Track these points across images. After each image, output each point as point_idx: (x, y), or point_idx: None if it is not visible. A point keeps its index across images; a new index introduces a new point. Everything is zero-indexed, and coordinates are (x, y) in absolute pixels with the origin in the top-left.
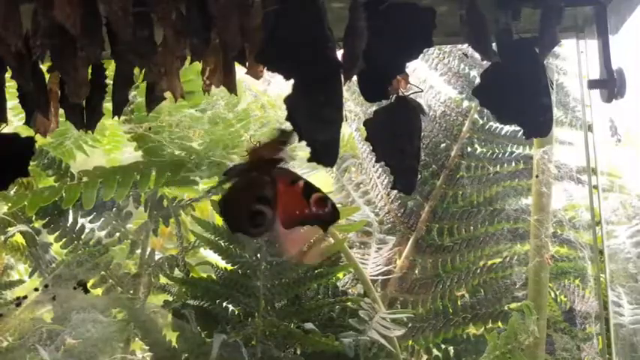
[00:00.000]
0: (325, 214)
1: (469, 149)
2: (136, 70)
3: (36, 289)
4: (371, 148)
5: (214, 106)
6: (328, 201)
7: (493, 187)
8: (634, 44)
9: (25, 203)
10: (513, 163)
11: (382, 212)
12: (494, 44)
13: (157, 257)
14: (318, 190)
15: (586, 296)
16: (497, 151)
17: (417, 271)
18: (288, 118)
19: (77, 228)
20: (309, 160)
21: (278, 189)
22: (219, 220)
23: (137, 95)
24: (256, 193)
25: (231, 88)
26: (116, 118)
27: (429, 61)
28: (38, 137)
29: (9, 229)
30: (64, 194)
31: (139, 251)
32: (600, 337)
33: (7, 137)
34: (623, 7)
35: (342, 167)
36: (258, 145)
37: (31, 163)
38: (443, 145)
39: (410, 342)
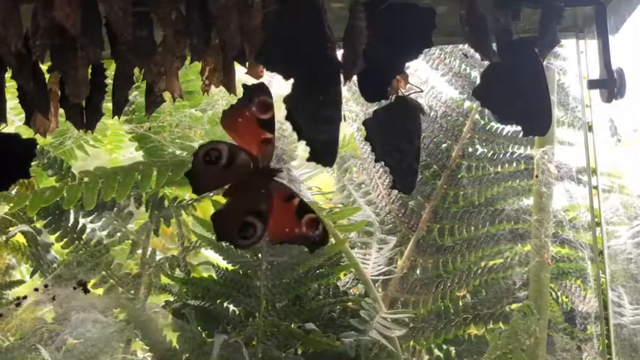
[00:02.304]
0: (315, 236)
1: (470, 149)
2: (136, 70)
3: (36, 289)
4: (370, 147)
5: (214, 106)
6: (320, 224)
7: (494, 187)
8: (634, 44)
9: (27, 203)
10: (514, 164)
11: (383, 212)
12: (494, 44)
13: (157, 257)
14: (311, 210)
15: (586, 297)
16: (497, 152)
17: (418, 272)
18: (287, 118)
19: (78, 228)
20: (308, 159)
21: (272, 203)
22: None
23: (138, 95)
24: (250, 205)
25: (231, 88)
26: (117, 118)
27: (430, 62)
28: (38, 137)
29: (10, 229)
30: (65, 194)
31: (139, 251)
32: (601, 338)
33: (9, 138)
34: (623, 7)
35: (344, 167)
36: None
37: (32, 163)
38: (444, 145)
39: (411, 342)
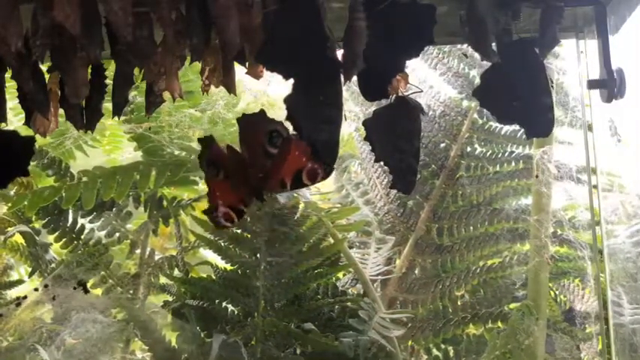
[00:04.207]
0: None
1: (469, 149)
2: (136, 70)
3: (36, 289)
4: (370, 147)
5: (214, 106)
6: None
7: (493, 186)
8: (634, 44)
9: (25, 203)
10: (513, 163)
11: (382, 212)
12: (494, 44)
13: (156, 257)
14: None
15: (586, 296)
16: (496, 151)
17: (416, 271)
18: (288, 118)
19: (77, 228)
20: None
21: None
22: None
23: (137, 95)
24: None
25: (231, 88)
26: (116, 118)
27: (429, 61)
28: (38, 137)
29: (9, 229)
30: (63, 194)
31: (138, 251)
32: (600, 337)
33: (7, 135)
34: (623, 7)
35: (342, 167)
36: None
37: (31, 163)
38: (442, 144)
39: (410, 342)
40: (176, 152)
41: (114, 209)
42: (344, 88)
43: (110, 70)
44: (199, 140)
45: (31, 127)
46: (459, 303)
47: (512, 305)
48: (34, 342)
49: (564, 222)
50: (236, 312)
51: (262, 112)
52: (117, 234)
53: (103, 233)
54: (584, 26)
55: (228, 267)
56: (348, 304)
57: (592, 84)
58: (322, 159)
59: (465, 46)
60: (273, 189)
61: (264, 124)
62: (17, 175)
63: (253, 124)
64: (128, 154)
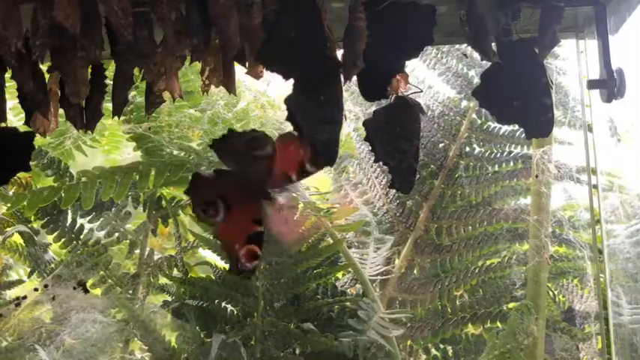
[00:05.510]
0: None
1: (468, 149)
2: (136, 70)
3: (35, 289)
4: (370, 147)
5: (214, 106)
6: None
7: (492, 186)
8: (634, 44)
9: (24, 203)
10: (512, 163)
11: (381, 212)
12: (494, 44)
13: (155, 257)
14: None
15: (585, 296)
16: (495, 151)
17: (415, 271)
18: (288, 118)
19: (76, 228)
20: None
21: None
22: None
23: (137, 95)
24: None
25: (230, 88)
26: (116, 118)
27: (428, 61)
28: (38, 137)
29: (7, 229)
30: (63, 194)
31: (138, 251)
32: (599, 337)
33: (6, 132)
34: (623, 7)
35: (341, 167)
36: None
37: (31, 163)
38: (441, 144)
39: (409, 342)
40: (175, 152)
41: (113, 209)
42: (344, 88)
43: (110, 70)
44: (185, 193)
45: (31, 126)
46: (457, 303)
47: (512, 305)
48: (33, 342)
49: (564, 222)
50: (235, 312)
51: (230, 131)
52: (116, 234)
53: (102, 233)
54: (584, 26)
55: (228, 267)
56: (348, 304)
57: (592, 84)
58: (322, 159)
59: (465, 46)
60: (278, 185)
61: (238, 140)
62: (19, 170)
63: (228, 143)
64: (128, 154)
